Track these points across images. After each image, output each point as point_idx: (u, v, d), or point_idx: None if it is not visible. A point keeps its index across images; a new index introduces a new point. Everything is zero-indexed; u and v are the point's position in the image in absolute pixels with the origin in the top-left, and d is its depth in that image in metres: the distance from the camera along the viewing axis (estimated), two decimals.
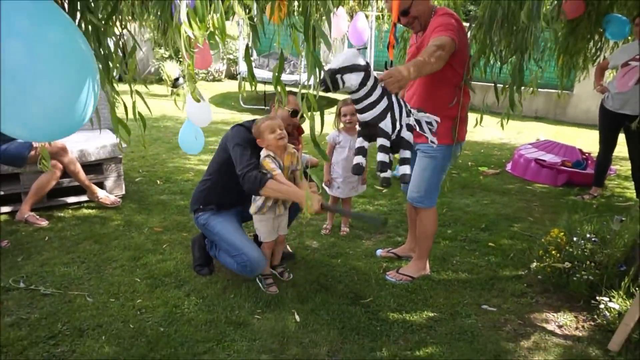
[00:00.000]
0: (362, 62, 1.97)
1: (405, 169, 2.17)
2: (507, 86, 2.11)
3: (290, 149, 2.49)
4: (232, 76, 11.16)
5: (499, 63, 2.21)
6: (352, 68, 1.93)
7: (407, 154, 2.14)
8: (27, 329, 2.12)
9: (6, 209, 3.32)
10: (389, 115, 2.02)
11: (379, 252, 3.05)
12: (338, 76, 1.92)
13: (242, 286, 2.55)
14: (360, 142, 2.10)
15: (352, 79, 1.94)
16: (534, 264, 2.77)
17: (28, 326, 2.15)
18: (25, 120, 0.93)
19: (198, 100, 1.92)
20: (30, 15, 0.87)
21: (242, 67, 8.37)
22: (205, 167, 2.76)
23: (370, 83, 1.97)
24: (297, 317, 2.32)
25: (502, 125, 2.21)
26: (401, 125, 2.09)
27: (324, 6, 1.39)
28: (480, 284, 2.72)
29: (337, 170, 3.25)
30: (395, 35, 2.32)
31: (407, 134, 2.12)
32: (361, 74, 1.95)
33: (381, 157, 2.03)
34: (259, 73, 7.84)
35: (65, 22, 0.96)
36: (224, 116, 7.40)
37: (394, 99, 2.07)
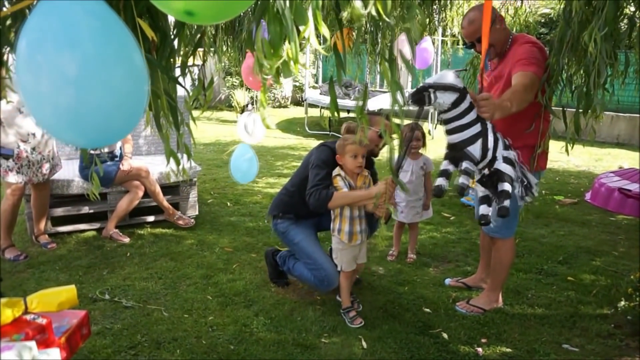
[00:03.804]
0: (458, 84, 1.94)
1: (484, 209, 2.08)
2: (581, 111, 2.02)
3: (364, 172, 2.51)
4: (297, 102, 11.50)
5: (568, 88, 2.13)
6: (447, 87, 1.92)
7: (505, 186, 2.03)
8: (111, 338, 2.27)
9: (95, 225, 3.62)
10: (479, 141, 1.97)
11: (448, 281, 2.95)
12: (430, 91, 1.92)
13: (309, 309, 2.57)
14: (445, 164, 2.07)
15: (445, 98, 1.93)
16: (622, 303, 2.55)
17: (111, 335, 2.30)
18: (81, 128, 0.97)
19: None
20: (89, 27, 0.90)
21: (308, 94, 8.62)
22: (273, 190, 2.84)
23: (464, 106, 1.94)
24: (364, 343, 2.29)
25: (567, 150, 2.11)
26: (495, 157, 2.01)
27: (408, 32, 1.39)
28: (560, 321, 2.54)
29: (400, 195, 3.22)
30: (486, 62, 2.28)
31: (504, 167, 2.02)
32: (455, 95, 1.93)
33: (463, 179, 1.98)
34: (325, 99, 8.03)
35: (121, 33, 0.98)
36: (291, 141, 7.61)
37: (489, 127, 2.00)
